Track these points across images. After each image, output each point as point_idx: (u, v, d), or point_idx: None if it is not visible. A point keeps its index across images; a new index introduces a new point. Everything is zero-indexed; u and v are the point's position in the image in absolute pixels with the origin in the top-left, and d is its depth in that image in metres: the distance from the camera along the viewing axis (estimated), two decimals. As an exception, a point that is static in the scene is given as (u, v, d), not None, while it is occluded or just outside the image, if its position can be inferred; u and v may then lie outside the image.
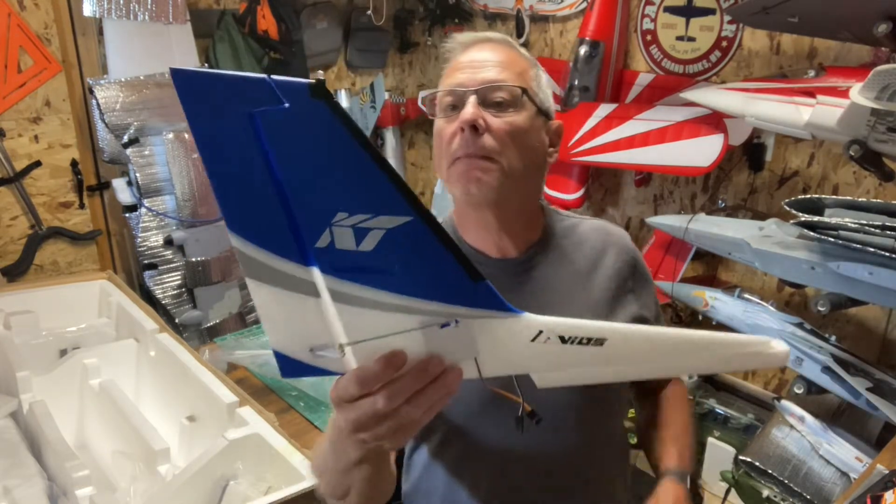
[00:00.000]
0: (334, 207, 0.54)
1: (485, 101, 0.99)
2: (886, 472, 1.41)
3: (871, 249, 1.71)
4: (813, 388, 2.02)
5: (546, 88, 1.09)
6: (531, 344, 0.62)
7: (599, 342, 0.62)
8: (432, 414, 0.64)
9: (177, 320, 2.99)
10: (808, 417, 2.09)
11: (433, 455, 1.10)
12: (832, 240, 1.78)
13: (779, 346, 0.62)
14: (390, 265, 0.57)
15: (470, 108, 0.97)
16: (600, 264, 1.12)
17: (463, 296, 0.60)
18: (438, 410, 0.64)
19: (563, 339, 0.62)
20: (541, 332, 0.62)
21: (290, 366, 0.62)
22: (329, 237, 0.55)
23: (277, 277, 0.57)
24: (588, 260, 1.12)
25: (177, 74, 0.50)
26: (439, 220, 1.17)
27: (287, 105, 0.50)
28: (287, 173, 0.53)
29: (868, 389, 1.85)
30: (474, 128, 0.97)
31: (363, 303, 0.58)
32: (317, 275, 0.57)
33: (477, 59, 1.03)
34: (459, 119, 0.97)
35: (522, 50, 1.09)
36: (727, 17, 2.47)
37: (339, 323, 0.59)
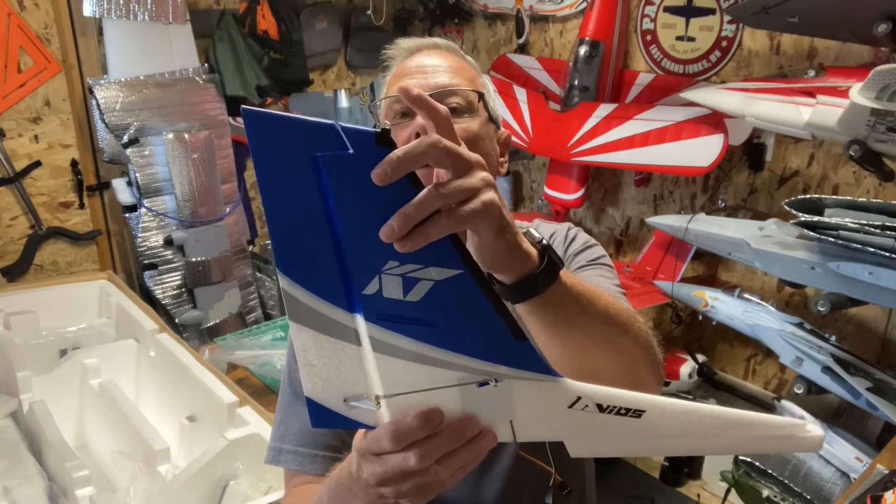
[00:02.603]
0: (387, 255, 0.54)
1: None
2: (886, 472, 1.41)
3: (871, 249, 1.71)
4: (813, 388, 2.02)
5: (495, 96, 1.06)
6: (568, 410, 0.61)
7: (638, 414, 0.61)
8: (460, 477, 0.61)
9: (177, 320, 2.99)
10: (808, 417, 2.09)
11: None
12: (832, 240, 1.78)
13: (814, 430, 0.62)
14: (435, 317, 0.57)
15: None
16: None
17: (505, 355, 0.59)
18: (466, 474, 0.62)
19: (601, 408, 0.61)
20: (579, 398, 0.61)
21: (322, 415, 0.61)
22: (378, 285, 0.55)
23: (322, 322, 0.57)
24: None
25: (248, 115, 0.51)
26: None
27: (351, 151, 0.51)
28: (344, 217, 0.53)
29: (868, 389, 1.85)
30: None
31: (404, 354, 0.58)
32: (360, 322, 0.57)
33: (426, 64, 0.99)
34: (414, 124, 0.91)
35: (469, 58, 1.06)
36: (727, 17, 2.47)
37: (378, 373, 0.58)
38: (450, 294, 0.56)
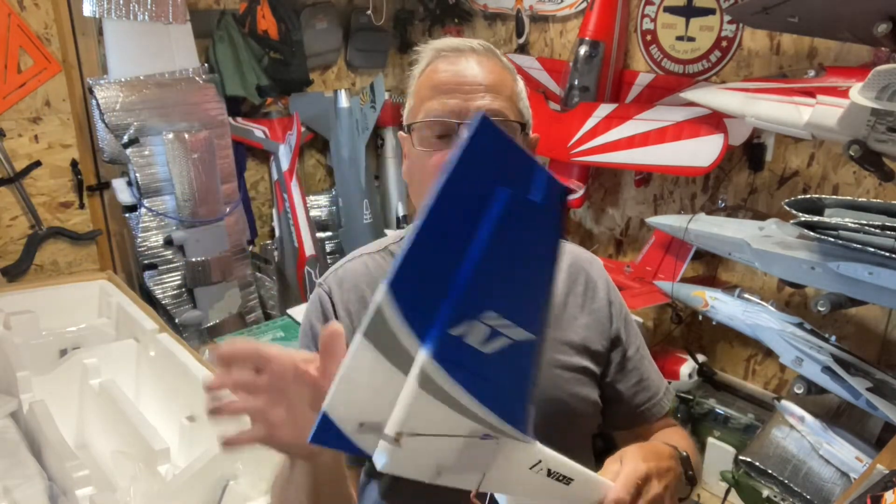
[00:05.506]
0: (493, 305, 0.55)
1: None
2: (886, 472, 1.41)
3: (871, 249, 1.71)
4: (813, 388, 2.02)
5: (526, 99, 1.02)
6: (528, 471, 0.66)
7: (568, 481, 0.69)
8: None
9: (177, 320, 2.99)
10: (808, 417, 2.09)
11: (382, 496, 1.04)
12: (832, 240, 1.78)
13: None
14: (491, 373, 0.58)
15: None
16: (572, 290, 1.09)
17: (514, 415, 0.62)
18: None
19: (548, 473, 0.67)
20: (539, 461, 0.66)
21: (328, 432, 0.59)
22: (466, 329, 0.54)
23: (391, 347, 0.56)
24: (557, 283, 1.07)
25: (484, 123, 0.51)
26: (399, 237, 1.12)
27: (538, 201, 0.53)
28: (487, 253, 0.52)
29: (868, 389, 1.85)
30: None
31: (443, 397, 0.57)
32: (423, 356, 0.55)
33: (466, 77, 0.94)
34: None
35: (504, 59, 1.01)
36: (727, 17, 2.47)
37: (410, 410, 0.57)
38: (514, 355, 0.57)
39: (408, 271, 0.53)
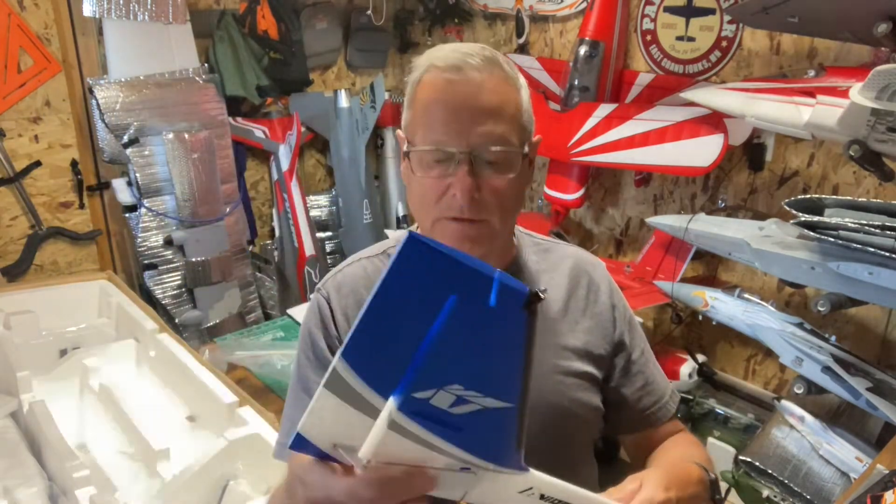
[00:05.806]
0: (457, 380, 0.55)
1: (477, 158, 0.91)
2: (886, 472, 1.41)
3: (871, 249, 1.71)
4: (813, 388, 2.02)
5: (530, 107, 0.98)
6: (517, 495, 0.67)
7: None
8: None
9: (177, 320, 2.99)
10: (808, 417, 2.09)
11: None
12: (832, 240, 1.78)
13: None
14: (464, 427, 0.59)
15: (468, 179, 0.90)
16: (574, 294, 1.08)
17: (499, 457, 0.63)
18: None
19: (542, 497, 0.68)
20: (531, 487, 0.67)
21: (304, 446, 0.62)
22: (431, 394, 0.56)
23: (355, 399, 0.57)
24: (560, 287, 1.07)
25: (412, 244, 0.50)
26: (398, 239, 1.12)
27: (493, 305, 0.52)
28: (442, 348, 0.53)
29: (868, 389, 1.85)
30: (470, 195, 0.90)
31: (414, 438, 0.59)
32: (391, 406, 0.56)
33: (466, 101, 0.90)
34: (455, 186, 0.90)
35: (506, 66, 0.96)
36: (727, 17, 2.47)
37: (381, 445, 0.58)
38: (490, 418, 0.58)
39: (358, 347, 0.54)
